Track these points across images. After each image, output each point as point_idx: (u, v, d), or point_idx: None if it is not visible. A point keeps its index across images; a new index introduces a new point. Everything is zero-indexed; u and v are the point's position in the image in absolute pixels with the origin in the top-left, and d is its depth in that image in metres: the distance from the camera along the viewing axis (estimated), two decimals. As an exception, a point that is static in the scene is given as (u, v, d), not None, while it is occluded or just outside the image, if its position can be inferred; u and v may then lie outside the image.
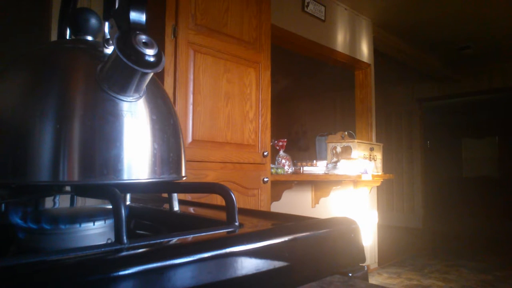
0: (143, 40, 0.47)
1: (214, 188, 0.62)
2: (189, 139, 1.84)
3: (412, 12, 3.99)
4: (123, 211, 0.44)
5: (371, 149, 3.60)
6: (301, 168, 3.07)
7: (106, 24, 0.55)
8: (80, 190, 0.56)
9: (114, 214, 0.44)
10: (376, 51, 4.34)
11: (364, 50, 4.12)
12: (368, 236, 3.86)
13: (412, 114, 6.74)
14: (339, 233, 0.58)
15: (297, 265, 0.51)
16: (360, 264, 0.58)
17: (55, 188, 0.59)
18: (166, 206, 0.72)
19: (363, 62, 4.09)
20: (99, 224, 0.53)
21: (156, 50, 0.48)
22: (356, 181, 3.50)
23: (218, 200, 1.63)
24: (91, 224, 0.52)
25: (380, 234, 4.19)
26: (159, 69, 0.48)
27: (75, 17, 0.64)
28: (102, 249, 0.41)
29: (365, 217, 3.83)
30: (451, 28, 4.38)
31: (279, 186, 2.70)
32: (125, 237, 0.43)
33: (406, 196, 6.69)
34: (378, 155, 3.72)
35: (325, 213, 3.41)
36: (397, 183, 6.67)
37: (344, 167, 3.24)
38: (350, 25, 3.95)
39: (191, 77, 1.86)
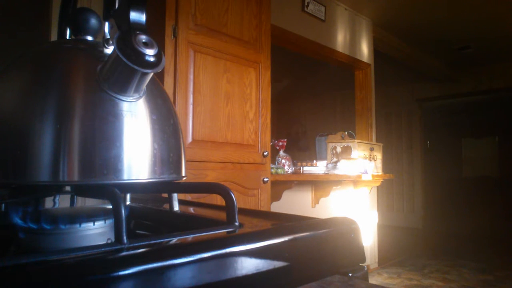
0: (143, 40, 0.47)
1: (214, 188, 0.62)
2: (189, 139, 1.84)
3: (412, 12, 3.99)
4: (123, 211, 0.44)
5: (371, 149, 3.60)
6: (301, 168, 3.07)
7: (106, 24, 0.55)
8: (80, 190, 0.56)
9: (114, 214, 0.44)
10: (376, 51, 4.34)
11: (364, 50, 4.12)
12: (368, 236, 3.86)
13: (412, 114, 6.74)
14: (339, 233, 0.58)
15: (297, 265, 0.51)
16: (360, 264, 0.58)
17: (55, 188, 0.59)
18: (166, 206, 0.72)
19: (363, 62, 4.09)
20: (99, 224, 0.53)
21: (156, 50, 0.48)
22: (356, 181, 3.50)
23: (218, 200, 1.63)
24: (91, 224, 0.52)
25: (380, 234, 4.19)
26: (159, 69, 0.48)
27: (75, 17, 0.64)
28: (102, 249, 0.41)
29: (365, 217, 3.83)
30: (451, 28, 4.38)
31: (279, 186, 2.70)
32: (125, 237, 0.43)
33: (406, 196, 6.68)
34: (378, 155, 3.72)
35: (325, 213, 3.41)
36: (397, 183, 6.67)
37: (344, 167, 3.24)
38: (350, 25, 3.95)
39: (191, 77, 1.86)
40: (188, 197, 1.57)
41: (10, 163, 0.49)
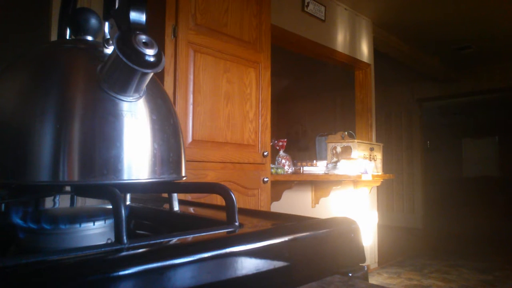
0: (143, 40, 0.47)
1: (214, 188, 0.62)
2: (189, 139, 1.84)
3: (412, 12, 3.99)
4: (123, 211, 0.44)
5: (371, 149, 3.60)
6: (301, 168, 3.07)
7: (106, 24, 0.55)
8: (80, 190, 0.56)
9: (114, 214, 0.44)
10: (376, 51, 4.34)
11: (364, 50, 4.12)
12: (368, 236, 3.86)
13: (412, 114, 6.73)
14: (339, 233, 0.58)
15: (297, 265, 0.51)
16: (360, 264, 0.58)
17: (55, 188, 0.59)
18: (166, 206, 0.72)
19: (363, 62, 4.09)
20: (99, 224, 0.53)
21: (156, 50, 0.48)
22: (356, 181, 3.50)
23: (218, 200, 1.63)
24: (91, 224, 0.52)
25: (380, 234, 4.19)
26: (159, 69, 0.48)
27: (75, 17, 0.64)
28: (102, 249, 0.41)
29: (365, 217, 3.83)
30: (451, 28, 4.38)
31: (279, 186, 2.70)
32: (125, 237, 0.43)
33: (406, 196, 6.68)
34: (378, 155, 3.72)
35: (325, 213, 3.41)
36: (397, 183, 6.67)
37: (344, 167, 3.24)
38: (350, 25, 3.95)
39: (191, 77, 1.86)
40: (188, 197, 1.57)
41: (10, 163, 0.49)
